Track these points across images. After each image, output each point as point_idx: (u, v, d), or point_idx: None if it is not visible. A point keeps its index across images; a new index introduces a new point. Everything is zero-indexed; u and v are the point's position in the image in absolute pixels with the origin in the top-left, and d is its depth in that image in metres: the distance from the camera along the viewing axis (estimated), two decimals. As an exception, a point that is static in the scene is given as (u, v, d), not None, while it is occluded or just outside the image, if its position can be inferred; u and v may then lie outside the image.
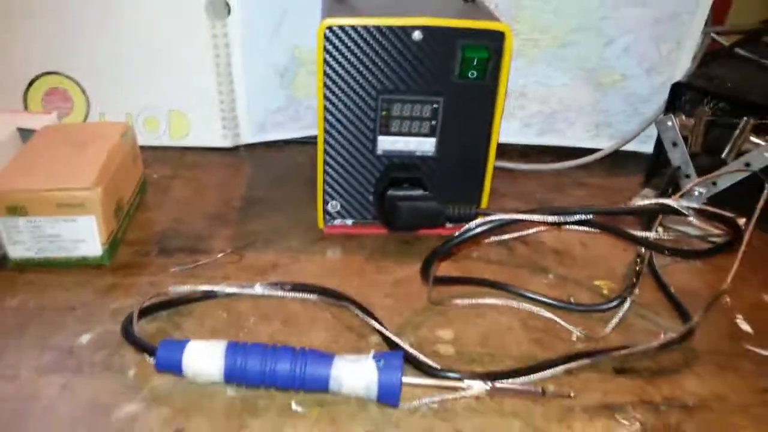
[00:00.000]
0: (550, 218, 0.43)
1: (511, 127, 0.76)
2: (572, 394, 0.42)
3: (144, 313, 0.47)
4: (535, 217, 0.43)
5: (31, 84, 0.72)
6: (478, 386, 0.40)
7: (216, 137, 0.75)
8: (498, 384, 0.41)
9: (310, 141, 0.77)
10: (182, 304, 0.49)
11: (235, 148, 0.76)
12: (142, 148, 0.70)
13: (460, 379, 0.41)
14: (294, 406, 0.40)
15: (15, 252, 0.52)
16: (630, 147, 0.76)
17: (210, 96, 0.73)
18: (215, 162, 0.73)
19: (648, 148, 0.76)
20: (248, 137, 0.76)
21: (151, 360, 0.41)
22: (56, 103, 0.74)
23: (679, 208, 0.42)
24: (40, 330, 0.46)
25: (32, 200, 0.50)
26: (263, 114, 0.76)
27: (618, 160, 0.76)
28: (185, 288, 0.48)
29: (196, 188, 0.67)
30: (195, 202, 0.64)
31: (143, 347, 0.42)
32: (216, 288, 0.49)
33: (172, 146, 0.75)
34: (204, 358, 0.40)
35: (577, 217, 0.43)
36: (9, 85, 0.72)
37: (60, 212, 0.51)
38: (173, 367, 0.40)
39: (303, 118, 0.77)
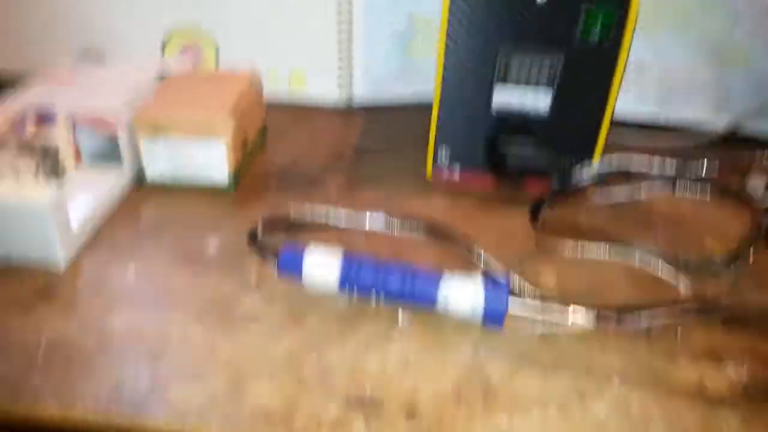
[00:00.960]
0: (669, 161, 0.42)
1: (627, 100, 0.75)
2: (679, 335, 0.41)
3: (264, 228, 0.50)
4: (656, 162, 0.43)
5: (169, 37, 0.78)
6: (583, 315, 0.41)
7: (333, 95, 0.79)
8: (604, 315, 0.41)
9: (423, 103, 0.79)
10: (299, 227, 0.52)
11: (350, 107, 0.80)
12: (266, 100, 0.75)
13: (565, 307, 0.41)
14: (400, 320, 0.43)
15: (153, 171, 0.57)
16: (751, 127, 0.73)
17: (330, 56, 0.77)
18: (330, 117, 0.77)
19: (770, 130, 0.73)
20: (363, 97, 0.80)
21: (272, 264, 0.44)
22: (191, 55, 0.80)
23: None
24: (174, 234, 0.51)
25: (173, 122, 0.55)
26: (378, 76, 0.79)
27: (736, 141, 0.74)
28: (304, 212, 0.51)
29: (312, 137, 0.71)
30: (311, 148, 0.68)
31: (266, 249, 0.45)
32: (332, 217, 0.52)
33: (291, 100, 0.79)
34: (323, 263, 0.42)
35: (698, 162, 0.42)
36: (151, 36, 0.79)
37: (196, 135, 0.55)
38: (294, 269, 0.43)
39: (416, 82, 0.79)
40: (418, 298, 0.42)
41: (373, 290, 0.42)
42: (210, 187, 0.57)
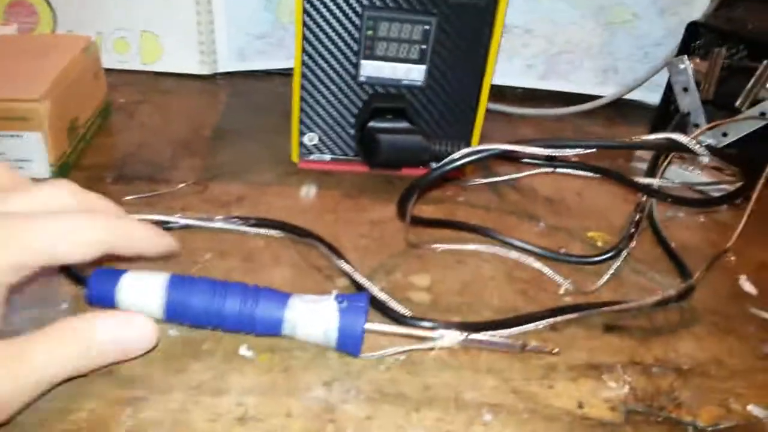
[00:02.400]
0: (547, 151, 0.38)
1: (513, 67, 0.70)
2: (556, 351, 0.37)
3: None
4: (529, 149, 0.38)
5: (-10, -7, 0.66)
6: (450, 337, 0.36)
7: (191, 63, 0.70)
8: (473, 336, 0.36)
9: (294, 72, 0.71)
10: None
11: (212, 76, 0.71)
12: (111, 71, 0.66)
13: (431, 329, 0.36)
14: (242, 351, 0.36)
15: (-47, 169, 0.47)
16: (636, 95, 0.71)
17: (186, 17, 0.68)
18: (189, 89, 0.68)
19: (655, 98, 0.71)
20: (227, 65, 0.71)
21: (83, 291, 0.36)
22: (20, 17, 0.68)
23: (689, 145, 0.37)
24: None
25: (-31, 111, 0.45)
26: (244, 40, 0.70)
27: (622, 108, 0.71)
28: (133, 217, 0.43)
29: (165, 115, 0.62)
30: (162, 129, 0.59)
31: (74, 277, 0.37)
32: (169, 218, 0.44)
33: (143, 70, 0.69)
34: (143, 291, 0.35)
35: (576, 151, 0.38)
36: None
37: (3, 126, 0.46)
38: (107, 301, 0.35)
39: (288, 46, 0.71)
40: (261, 326, 0.35)
41: (207, 320, 0.35)
42: (30, 185, 0.48)
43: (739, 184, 0.43)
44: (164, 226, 0.44)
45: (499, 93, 0.69)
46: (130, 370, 0.34)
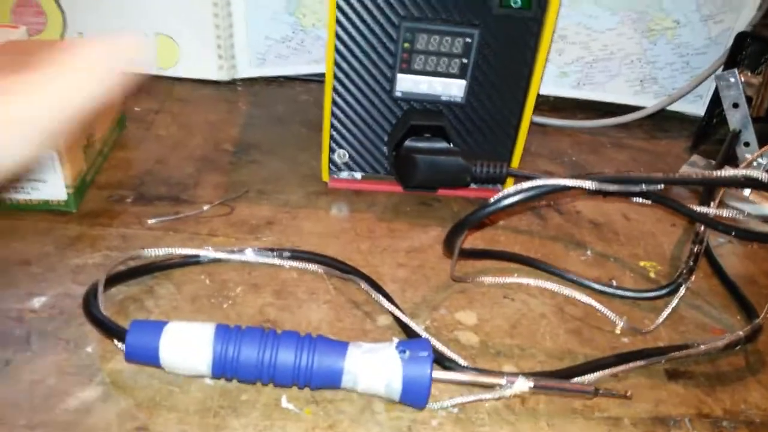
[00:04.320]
0: (611, 187, 0.35)
1: (546, 75, 0.67)
2: (629, 394, 0.34)
3: (110, 282, 0.39)
4: (589, 184, 0.35)
5: (-3, -6, 0.63)
6: (520, 384, 0.33)
7: (209, 68, 0.66)
8: (543, 382, 0.33)
9: (317, 78, 0.68)
10: (157, 270, 0.41)
11: (231, 82, 0.67)
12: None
13: (500, 375, 0.33)
14: (284, 403, 0.33)
15: (-37, 191, 0.44)
16: (677, 106, 0.67)
17: (204, 20, 0.64)
18: (207, 97, 0.64)
19: (697, 109, 0.68)
20: (246, 70, 0.67)
21: (120, 345, 0.33)
22: (28, 18, 0.64)
23: (770, 185, 0.34)
24: (-14, 289, 0.39)
25: (-19, 131, 0.41)
26: (264, 44, 0.66)
27: (662, 120, 0.68)
28: (161, 251, 0.40)
29: (183, 126, 0.59)
30: (181, 143, 0.56)
31: (109, 329, 0.34)
32: (199, 252, 0.41)
33: (158, 76, 0.66)
34: (188, 346, 0.32)
35: (642, 188, 0.35)
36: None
37: (16, 147, 0.42)
38: (148, 357, 0.32)
39: (310, 50, 0.67)
40: (319, 379, 0.32)
41: (258, 375, 0.32)
42: (45, 207, 0.45)
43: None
44: (195, 259, 0.41)
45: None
46: (165, 427, 0.31)
